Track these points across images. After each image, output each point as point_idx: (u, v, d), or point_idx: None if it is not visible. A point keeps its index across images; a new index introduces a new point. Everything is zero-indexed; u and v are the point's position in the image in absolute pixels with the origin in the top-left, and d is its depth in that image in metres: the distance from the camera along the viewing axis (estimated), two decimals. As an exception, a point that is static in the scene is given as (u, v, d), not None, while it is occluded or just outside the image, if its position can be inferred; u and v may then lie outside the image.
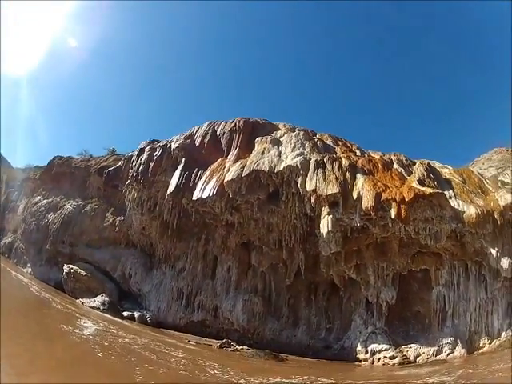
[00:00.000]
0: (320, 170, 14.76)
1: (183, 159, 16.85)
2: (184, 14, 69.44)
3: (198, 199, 15.09)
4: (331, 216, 13.79)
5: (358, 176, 14.96)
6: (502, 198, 15.16)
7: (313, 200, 14.09)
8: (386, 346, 13.77)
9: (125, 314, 17.09)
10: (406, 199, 13.75)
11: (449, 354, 13.43)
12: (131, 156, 19.72)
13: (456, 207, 14.35)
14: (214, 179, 15.24)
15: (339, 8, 66.86)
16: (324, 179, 14.43)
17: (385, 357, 13.50)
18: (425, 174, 15.90)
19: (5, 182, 32.08)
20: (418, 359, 13.53)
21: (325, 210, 14.04)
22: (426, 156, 18.35)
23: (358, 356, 13.94)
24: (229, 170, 15.38)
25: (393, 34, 65.02)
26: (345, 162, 15.38)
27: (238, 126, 17.49)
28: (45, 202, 24.67)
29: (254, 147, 16.61)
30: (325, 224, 13.73)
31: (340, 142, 18.47)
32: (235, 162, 15.83)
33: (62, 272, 19.60)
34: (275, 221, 15.77)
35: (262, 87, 79.03)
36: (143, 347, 11.50)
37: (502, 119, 55.70)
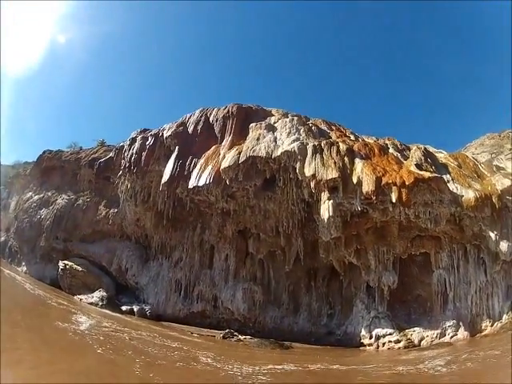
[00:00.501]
0: (318, 155, 14.01)
1: (176, 147, 15.76)
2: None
3: (193, 187, 14.09)
4: (332, 201, 13.05)
5: (357, 160, 14.31)
6: (499, 183, 14.88)
7: (312, 185, 13.30)
8: (390, 331, 13.24)
9: (123, 308, 16.17)
10: (407, 183, 13.23)
11: (452, 337, 13.02)
12: (122, 146, 18.49)
13: (454, 191, 13.99)
14: (210, 167, 14.24)
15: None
16: (323, 164, 13.68)
17: (389, 341, 12.98)
18: (422, 158, 15.48)
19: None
20: (422, 342, 13.05)
21: (325, 195, 13.29)
22: (414, 141, 17.84)
23: (362, 341, 13.36)
24: (224, 156, 14.42)
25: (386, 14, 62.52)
26: (342, 147, 14.63)
27: (231, 113, 16.46)
28: (36, 197, 23.22)
29: (248, 133, 15.70)
30: (325, 209, 12.98)
31: (334, 127, 17.68)
32: (230, 148, 14.87)
33: (57, 269, 18.47)
34: (272, 207, 14.96)
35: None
36: (151, 344, 10.60)
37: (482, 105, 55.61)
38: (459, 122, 58.76)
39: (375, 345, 13.15)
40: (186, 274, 16.16)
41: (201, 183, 13.95)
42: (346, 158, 14.11)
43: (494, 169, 16.86)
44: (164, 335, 12.35)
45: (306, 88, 72.46)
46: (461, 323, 13.30)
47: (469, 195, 13.81)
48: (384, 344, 13.09)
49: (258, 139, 14.72)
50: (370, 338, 13.31)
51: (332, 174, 13.24)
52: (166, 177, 15.04)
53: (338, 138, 15.96)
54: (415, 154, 15.91)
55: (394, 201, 12.98)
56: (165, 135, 16.42)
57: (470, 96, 58.21)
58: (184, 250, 16.68)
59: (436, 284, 14.36)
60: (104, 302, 16.28)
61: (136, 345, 9.95)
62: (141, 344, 10.42)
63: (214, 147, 15.30)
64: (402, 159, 15.62)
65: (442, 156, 17.29)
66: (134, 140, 17.74)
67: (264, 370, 8.97)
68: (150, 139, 16.94)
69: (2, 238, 24.81)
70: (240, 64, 74.12)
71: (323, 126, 16.92)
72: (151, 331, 12.76)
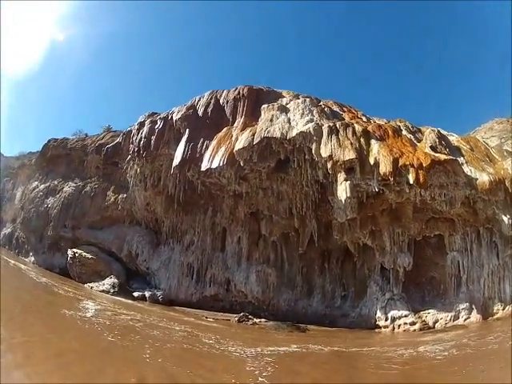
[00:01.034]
0: (334, 136, 13.26)
1: (187, 130, 14.89)
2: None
3: (207, 170, 13.31)
4: (349, 182, 12.38)
5: (373, 142, 13.63)
6: (511, 167, 14.19)
7: (329, 166, 12.60)
8: (405, 312, 12.71)
9: (135, 294, 15.48)
10: (424, 165, 12.68)
11: (465, 320, 12.57)
12: (130, 131, 17.59)
13: (469, 174, 13.46)
14: (223, 148, 13.43)
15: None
16: (339, 145, 12.97)
17: (405, 323, 12.47)
18: (437, 140, 14.87)
19: (-1, 173, 29.17)
20: (436, 325, 12.57)
21: (341, 176, 12.60)
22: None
23: (377, 323, 12.85)
24: (237, 138, 13.61)
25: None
26: (358, 128, 13.91)
27: (242, 94, 15.59)
28: (42, 186, 22.24)
29: (259, 115, 14.90)
30: (343, 190, 12.29)
31: (345, 109, 16.87)
32: (242, 130, 14.06)
33: (66, 257, 17.68)
34: (285, 189, 14.28)
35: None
36: (173, 331, 9.80)
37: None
38: (466, 108, 57.16)
39: (391, 327, 12.64)
40: (197, 257, 15.48)
41: (214, 165, 13.17)
42: (362, 139, 13.41)
43: (505, 153, 16.33)
44: (179, 321, 11.65)
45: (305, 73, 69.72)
46: (473, 306, 12.85)
47: (483, 178, 13.31)
48: (399, 326, 12.58)
49: (271, 120, 13.91)
50: (386, 319, 12.80)
51: (349, 154, 12.54)
52: (177, 160, 14.22)
53: (352, 119, 15.20)
54: (429, 136, 15.26)
55: (411, 182, 12.41)
56: (174, 118, 15.55)
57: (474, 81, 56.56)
58: (195, 234, 15.95)
59: (450, 266, 13.87)
60: (116, 289, 15.57)
61: (156, 334, 9.01)
62: (160, 331, 9.61)
63: (225, 129, 14.47)
64: (415, 141, 15.04)
65: (453, 139, 16.62)
66: (142, 124, 16.85)
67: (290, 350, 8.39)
68: (159, 122, 16.05)
69: (9, 230, 23.81)
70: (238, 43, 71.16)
71: (335, 108, 16.10)
72: (168, 317, 12.00)
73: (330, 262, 14.98)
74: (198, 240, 15.83)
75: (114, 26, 59.02)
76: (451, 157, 13.56)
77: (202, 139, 14.39)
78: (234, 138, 13.69)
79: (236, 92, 15.78)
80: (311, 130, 13.18)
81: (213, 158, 13.32)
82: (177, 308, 14.43)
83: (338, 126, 13.69)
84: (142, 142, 16.01)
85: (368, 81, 65.67)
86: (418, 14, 58.94)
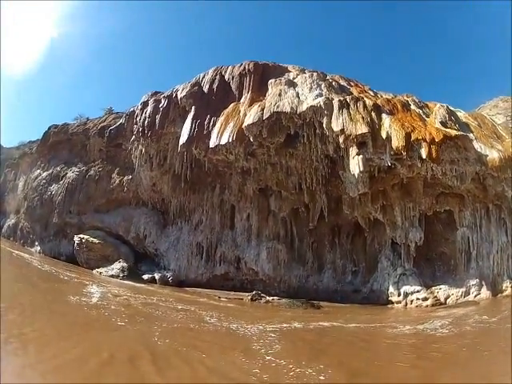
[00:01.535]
0: (345, 110, 12.53)
1: (193, 107, 14.06)
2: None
3: (215, 146, 12.57)
4: (361, 156, 11.74)
5: (384, 116, 12.94)
6: (519, 145, 13.77)
7: (341, 140, 11.93)
8: (418, 288, 12.32)
9: (145, 277, 14.92)
10: (436, 140, 12.06)
11: (476, 296, 12.20)
12: (133, 111, 16.68)
13: (479, 150, 12.83)
14: (231, 124, 12.67)
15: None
16: (351, 119, 12.27)
17: (417, 298, 12.08)
18: (446, 116, 14.11)
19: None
20: (447, 301, 12.20)
21: (353, 151, 11.97)
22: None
23: (390, 298, 12.48)
24: (245, 113, 12.86)
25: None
26: (369, 102, 13.18)
27: (248, 69, 14.72)
28: (45, 174, 21.30)
29: (266, 90, 14.09)
30: (355, 164, 11.68)
31: (352, 83, 16.06)
32: (250, 105, 13.28)
33: (72, 244, 17.01)
34: (294, 164, 13.63)
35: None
36: (195, 315, 9.13)
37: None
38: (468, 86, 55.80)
39: (403, 302, 12.27)
40: (206, 236, 14.91)
41: (223, 141, 12.43)
42: (373, 114, 12.70)
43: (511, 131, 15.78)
44: (194, 302, 11.03)
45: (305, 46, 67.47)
46: (483, 282, 12.48)
47: (493, 155, 12.71)
48: (412, 301, 12.20)
49: (279, 95, 13.10)
50: (399, 295, 12.42)
51: (362, 129, 11.85)
52: (184, 138, 13.45)
53: (360, 93, 14.43)
54: (439, 111, 14.51)
55: (424, 157, 11.81)
56: (179, 96, 14.65)
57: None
58: (204, 212, 15.33)
59: (460, 242, 13.42)
60: (125, 273, 14.93)
61: (176, 316, 8.43)
62: (181, 314, 8.95)
63: (232, 105, 13.67)
64: (424, 116, 14.35)
65: (461, 115, 15.96)
66: (145, 103, 15.94)
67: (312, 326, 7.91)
68: (163, 101, 15.18)
69: (13, 221, 22.93)
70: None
71: (342, 82, 15.29)
72: (183, 300, 11.38)
73: (340, 237, 14.49)
74: (206, 219, 15.24)
75: (114, 25, 56.87)
76: (462, 132, 12.98)
77: (208, 116, 13.59)
78: (242, 114, 12.92)
79: (242, 67, 14.89)
80: (322, 104, 12.42)
81: (221, 135, 12.57)
82: (187, 289, 13.95)
83: (348, 100, 12.94)
84: (146, 122, 15.16)
85: (361, 58, 64.04)
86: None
